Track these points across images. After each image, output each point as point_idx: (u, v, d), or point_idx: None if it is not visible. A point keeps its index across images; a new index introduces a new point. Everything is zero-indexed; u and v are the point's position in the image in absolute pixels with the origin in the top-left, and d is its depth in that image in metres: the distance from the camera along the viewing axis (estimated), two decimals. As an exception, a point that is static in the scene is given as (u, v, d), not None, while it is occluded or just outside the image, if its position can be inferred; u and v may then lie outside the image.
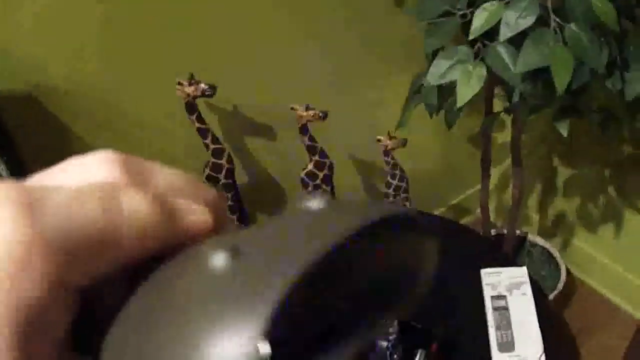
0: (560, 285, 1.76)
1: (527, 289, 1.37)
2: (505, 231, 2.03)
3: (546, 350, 1.24)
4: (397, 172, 1.42)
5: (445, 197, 2.30)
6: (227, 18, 1.34)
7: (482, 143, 1.56)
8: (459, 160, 2.21)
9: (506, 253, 1.50)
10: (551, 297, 1.75)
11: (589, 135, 1.71)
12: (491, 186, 2.36)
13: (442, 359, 1.09)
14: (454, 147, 2.15)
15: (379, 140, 1.37)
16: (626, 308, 2.08)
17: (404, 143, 1.36)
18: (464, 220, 2.46)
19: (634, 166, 1.76)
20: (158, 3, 1.26)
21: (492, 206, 2.09)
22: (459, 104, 1.10)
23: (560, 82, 1.01)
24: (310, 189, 1.39)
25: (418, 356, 1.02)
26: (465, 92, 1.07)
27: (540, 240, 2.01)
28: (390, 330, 1.00)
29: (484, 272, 1.41)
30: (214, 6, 1.31)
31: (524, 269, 1.42)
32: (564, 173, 2.03)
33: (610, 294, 2.11)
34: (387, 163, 1.40)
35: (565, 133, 1.11)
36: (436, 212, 2.27)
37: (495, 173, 2.04)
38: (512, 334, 1.27)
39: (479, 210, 2.37)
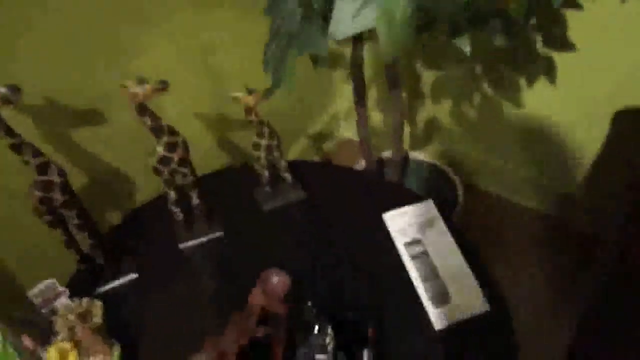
0: (460, 200, 1.65)
1: (441, 224, 1.21)
2: (383, 156, 1.88)
3: (484, 286, 1.10)
4: (265, 129, 1.17)
5: (303, 126, 2.13)
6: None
7: (354, 72, 1.35)
8: (311, 88, 2.05)
9: (407, 189, 1.34)
10: (456, 215, 1.64)
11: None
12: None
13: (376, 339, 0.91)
14: (304, 79, 1.97)
15: (236, 99, 1.11)
16: (527, 204, 2.04)
17: (268, 95, 1.12)
18: (328, 146, 2.31)
19: (506, 57, 1.64)
20: None
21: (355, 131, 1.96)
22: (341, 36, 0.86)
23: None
24: (166, 175, 1.12)
25: (366, 357, 0.84)
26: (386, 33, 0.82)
27: (423, 156, 1.87)
28: (326, 340, 0.80)
29: (386, 217, 1.24)
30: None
31: (430, 202, 1.26)
32: (430, 80, 1.89)
33: (507, 194, 2.06)
34: (252, 122, 1.15)
35: (467, 49, 0.92)
36: (297, 143, 2.10)
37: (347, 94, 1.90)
38: (442, 282, 1.11)
39: (344, 135, 2.19)
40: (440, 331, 1.05)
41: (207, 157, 1.61)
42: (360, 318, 0.88)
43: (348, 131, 2.37)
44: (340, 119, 2.34)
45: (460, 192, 1.68)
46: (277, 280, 1.09)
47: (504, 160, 1.94)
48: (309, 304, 0.84)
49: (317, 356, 0.78)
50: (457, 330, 1.05)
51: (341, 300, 1.08)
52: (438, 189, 1.76)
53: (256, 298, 1.07)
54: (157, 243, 1.24)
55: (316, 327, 0.79)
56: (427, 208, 1.25)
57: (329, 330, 0.80)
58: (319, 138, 2.26)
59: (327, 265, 1.17)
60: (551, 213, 2.01)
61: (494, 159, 1.96)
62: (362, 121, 1.50)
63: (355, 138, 2.34)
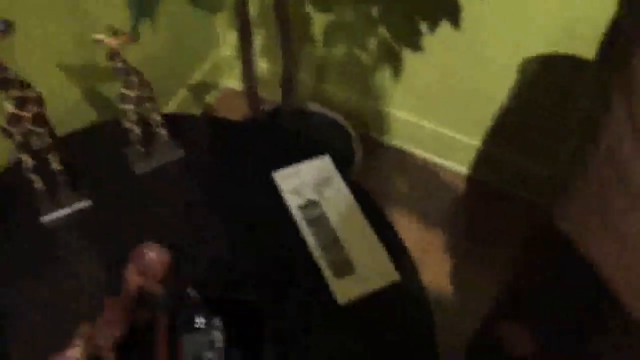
0: (358, 156, 1.55)
1: (339, 182, 1.11)
2: (272, 109, 1.74)
3: (392, 253, 1.01)
4: (134, 78, 1.00)
5: (182, 76, 1.95)
6: None
7: (238, 10, 1.19)
8: (191, 32, 1.87)
9: (300, 144, 1.21)
10: (355, 171, 1.54)
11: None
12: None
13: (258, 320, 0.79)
14: (181, 22, 1.78)
15: (99, 42, 0.93)
16: (426, 156, 1.98)
17: (132, 39, 0.94)
18: (210, 98, 2.14)
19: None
20: None
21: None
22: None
23: None
24: (18, 137, 0.93)
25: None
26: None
27: (317, 108, 1.75)
28: (214, 335, 0.66)
29: (277, 176, 1.11)
30: None
31: (327, 158, 1.14)
32: (322, 24, 1.75)
33: (407, 145, 1.99)
34: (118, 70, 0.98)
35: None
36: (175, 95, 1.93)
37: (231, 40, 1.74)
38: (344, 250, 1.01)
39: (229, 85, 2.03)
40: (345, 306, 0.95)
41: (71, 114, 1.40)
42: (254, 298, 0.76)
43: (233, 81, 2.20)
44: (224, 68, 2.16)
45: (358, 146, 1.58)
46: (153, 256, 0.94)
47: (406, 111, 1.86)
48: (190, 291, 0.70)
49: (206, 354, 0.65)
50: (364, 304, 0.96)
51: (229, 277, 0.95)
52: (334, 143, 1.65)
53: (131, 279, 0.92)
54: (14, 218, 1.05)
55: (202, 321, 0.66)
56: (323, 165, 1.13)
57: (218, 323, 0.67)
58: (201, 89, 2.08)
59: (211, 236, 1.03)
60: (459, 168, 1.97)
61: (394, 109, 1.87)
62: (248, 69, 1.35)
63: (241, 89, 2.18)
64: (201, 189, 1.10)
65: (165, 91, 1.88)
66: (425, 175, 1.94)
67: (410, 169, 1.95)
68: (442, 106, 1.78)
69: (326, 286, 0.96)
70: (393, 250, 1.02)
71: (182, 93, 1.96)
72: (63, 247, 1.01)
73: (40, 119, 0.95)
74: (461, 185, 1.93)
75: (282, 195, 1.08)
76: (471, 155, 1.89)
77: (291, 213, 1.05)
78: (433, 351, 0.93)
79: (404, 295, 0.97)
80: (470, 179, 1.94)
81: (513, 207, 1.88)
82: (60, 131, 1.15)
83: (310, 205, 1.06)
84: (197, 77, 2.02)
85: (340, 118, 1.69)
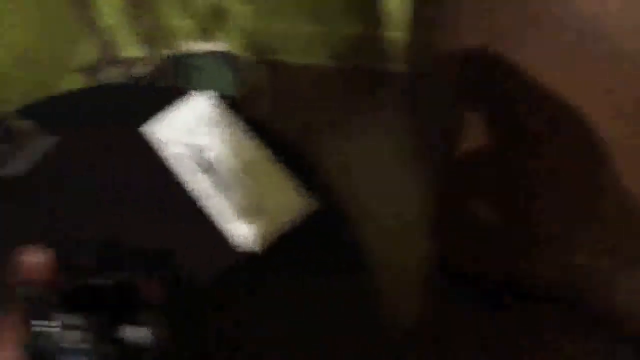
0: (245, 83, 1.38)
1: (226, 117, 0.94)
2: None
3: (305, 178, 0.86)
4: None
5: None
6: None
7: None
8: None
9: (164, 88, 1.03)
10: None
11: None
12: None
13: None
14: None
15: None
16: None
17: None
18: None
19: None
20: None
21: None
22: None
23: None
24: None
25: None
26: None
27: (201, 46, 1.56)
28: (76, 336, 0.51)
29: (146, 130, 0.93)
30: None
31: (205, 94, 0.97)
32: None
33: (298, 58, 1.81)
34: None
35: None
36: None
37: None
38: (246, 189, 0.86)
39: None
40: (261, 254, 0.81)
41: None
42: (131, 278, 0.59)
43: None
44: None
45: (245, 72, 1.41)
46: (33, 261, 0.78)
47: (290, 22, 1.67)
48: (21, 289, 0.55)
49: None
50: (283, 245, 0.82)
51: (108, 260, 0.79)
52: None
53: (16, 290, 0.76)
54: None
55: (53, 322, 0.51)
56: (203, 102, 0.96)
57: (79, 320, 0.51)
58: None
59: (90, 220, 0.86)
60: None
61: (277, 22, 1.68)
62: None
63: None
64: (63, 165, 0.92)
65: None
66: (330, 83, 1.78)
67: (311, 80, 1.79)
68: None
69: (233, 238, 0.82)
70: (306, 175, 0.87)
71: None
72: None
73: None
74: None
75: (157, 151, 0.91)
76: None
77: (172, 168, 0.89)
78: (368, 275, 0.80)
79: (327, 226, 0.84)
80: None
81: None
82: None
83: (193, 152, 0.90)
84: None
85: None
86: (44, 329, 0.51)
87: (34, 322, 0.51)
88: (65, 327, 0.51)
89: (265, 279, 0.79)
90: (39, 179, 0.93)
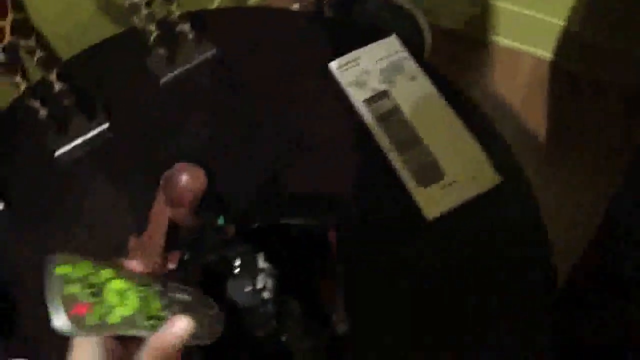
0: (427, 41, 1.28)
1: (412, 66, 0.86)
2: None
3: (490, 151, 0.77)
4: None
5: None
6: None
7: None
8: None
9: (358, 26, 0.95)
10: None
11: None
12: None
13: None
14: None
15: None
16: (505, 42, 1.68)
17: None
18: None
19: None
20: None
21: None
22: None
23: None
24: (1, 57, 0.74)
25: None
26: None
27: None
28: (258, 281, 0.43)
29: (334, 66, 0.87)
30: None
31: (394, 38, 0.89)
32: None
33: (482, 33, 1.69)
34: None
35: None
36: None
37: None
38: (428, 150, 0.77)
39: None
40: (434, 222, 0.72)
41: (84, 31, 1.19)
42: (315, 223, 0.53)
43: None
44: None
45: (426, 29, 1.31)
46: (186, 179, 0.74)
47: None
48: (219, 218, 0.48)
49: (251, 306, 0.44)
50: (458, 216, 0.73)
51: (283, 201, 0.73)
52: (399, 29, 1.38)
53: (160, 211, 0.72)
54: (22, 157, 0.86)
55: (237, 261, 0.44)
56: (389, 47, 0.88)
57: (261, 263, 0.45)
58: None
59: (256, 150, 0.81)
60: (544, 54, 1.66)
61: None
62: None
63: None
64: (239, 93, 0.87)
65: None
66: (504, 62, 1.65)
67: (488, 58, 1.66)
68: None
69: (408, 198, 0.74)
70: (489, 146, 0.77)
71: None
72: (79, 182, 0.82)
73: (23, 28, 0.74)
74: (545, 73, 1.63)
75: (343, 89, 0.84)
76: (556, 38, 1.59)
77: (356, 109, 0.82)
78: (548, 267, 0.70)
79: (508, 203, 0.74)
80: (555, 65, 1.64)
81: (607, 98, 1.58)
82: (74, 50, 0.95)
83: (378, 97, 0.82)
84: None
85: (405, 2, 1.40)
86: (241, 270, 0.44)
87: (235, 262, 0.44)
88: (261, 270, 0.45)
89: (431, 249, 0.71)
90: (191, 90, 0.89)
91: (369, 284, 0.67)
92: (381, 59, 0.86)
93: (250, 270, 0.43)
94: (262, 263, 0.44)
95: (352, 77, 0.84)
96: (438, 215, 0.72)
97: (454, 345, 0.65)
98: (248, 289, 0.43)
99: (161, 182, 0.72)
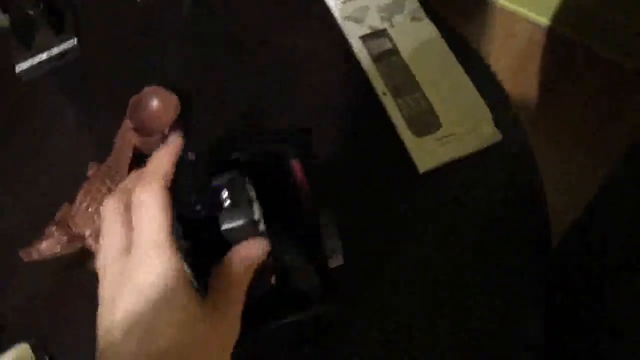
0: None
1: (414, 5, 0.78)
2: None
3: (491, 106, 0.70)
4: None
5: None
6: None
7: None
8: None
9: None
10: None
11: None
12: None
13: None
14: None
15: None
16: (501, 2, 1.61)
17: None
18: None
19: None
20: None
21: None
22: None
23: None
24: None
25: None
26: None
27: None
28: (255, 213, 0.36)
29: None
30: None
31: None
32: None
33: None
34: None
35: None
36: None
37: None
38: (425, 97, 0.70)
39: None
40: (426, 175, 0.66)
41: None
42: (275, 150, 0.45)
43: None
44: None
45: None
46: (157, 104, 0.66)
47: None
48: (190, 155, 0.40)
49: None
50: (452, 170, 0.67)
51: (258, 135, 0.66)
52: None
53: (125, 138, 0.65)
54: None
55: (224, 192, 0.37)
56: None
57: (250, 190, 0.37)
58: None
59: (237, 79, 0.74)
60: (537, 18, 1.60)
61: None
62: None
63: None
64: (224, 16, 0.79)
65: None
66: (499, 24, 1.59)
67: (483, 17, 1.59)
68: None
69: (402, 150, 0.67)
70: (490, 100, 0.71)
71: None
72: (38, 103, 0.74)
73: None
74: (539, 38, 1.57)
75: (338, 22, 0.77)
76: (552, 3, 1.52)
77: (350, 45, 0.75)
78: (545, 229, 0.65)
79: (507, 161, 0.68)
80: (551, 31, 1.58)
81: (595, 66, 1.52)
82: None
83: (376, 35, 0.75)
84: None
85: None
86: (230, 203, 0.37)
87: (222, 195, 0.37)
88: (252, 200, 0.38)
89: (423, 204, 0.65)
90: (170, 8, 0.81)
91: (355, 233, 0.62)
92: (383, -4, 0.78)
93: (243, 200, 0.36)
94: (251, 191, 0.38)
95: (349, 11, 0.77)
96: (431, 169, 0.66)
97: (446, 299, 0.60)
98: (245, 220, 0.36)
99: (129, 106, 0.65)
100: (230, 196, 0.37)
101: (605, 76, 1.51)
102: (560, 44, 1.56)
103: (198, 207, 0.36)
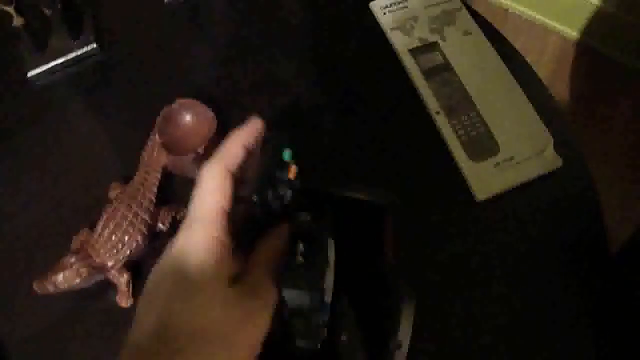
0: None
1: (466, 18, 0.72)
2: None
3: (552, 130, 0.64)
4: None
5: None
6: None
7: None
8: None
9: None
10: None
11: None
12: None
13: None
14: None
15: None
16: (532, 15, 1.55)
17: None
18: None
19: None
20: None
21: None
22: None
23: None
24: None
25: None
26: None
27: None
28: (326, 277, 0.29)
29: (375, 5, 0.73)
30: None
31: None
32: None
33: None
34: None
35: None
36: None
37: None
38: (481, 118, 0.64)
39: None
40: (484, 204, 0.60)
41: None
42: (379, 199, 0.38)
43: None
44: None
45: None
46: (190, 119, 0.60)
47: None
48: (284, 151, 0.33)
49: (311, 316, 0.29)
50: (511, 199, 0.61)
51: (322, 163, 0.60)
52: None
53: (153, 156, 0.58)
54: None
55: (301, 246, 0.29)
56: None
57: (331, 253, 0.30)
58: None
59: (279, 90, 0.67)
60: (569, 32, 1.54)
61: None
62: None
63: None
64: (263, 23, 0.73)
65: None
66: (530, 38, 1.53)
67: (515, 31, 1.54)
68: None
69: (458, 175, 0.61)
70: (547, 120, 0.64)
71: None
72: (53, 114, 0.67)
73: None
74: (570, 52, 1.52)
75: (385, 33, 0.70)
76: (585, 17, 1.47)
77: (400, 59, 0.68)
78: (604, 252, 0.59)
79: (567, 189, 0.62)
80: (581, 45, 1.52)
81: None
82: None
83: (426, 48, 0.69)
84: None
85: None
86: (303, 259, 0.30)
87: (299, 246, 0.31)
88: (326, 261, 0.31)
89: (481, 233, 0.59)
90: (203, 13, 0.74)
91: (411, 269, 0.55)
92: (432, 5, 0.72)
93: (318, 263, 0.30)
94: (330, 251, 0.31)
95: (397, 21, 0.70)
96: (490, 197, 0.60)
97: (507, 329, 0.54)
98: (311, 292, 0.29)
99: (158, 120, 0.58)
100: (304, 252, 0.30)
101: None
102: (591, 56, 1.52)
103: (272, 205, 0.33)
